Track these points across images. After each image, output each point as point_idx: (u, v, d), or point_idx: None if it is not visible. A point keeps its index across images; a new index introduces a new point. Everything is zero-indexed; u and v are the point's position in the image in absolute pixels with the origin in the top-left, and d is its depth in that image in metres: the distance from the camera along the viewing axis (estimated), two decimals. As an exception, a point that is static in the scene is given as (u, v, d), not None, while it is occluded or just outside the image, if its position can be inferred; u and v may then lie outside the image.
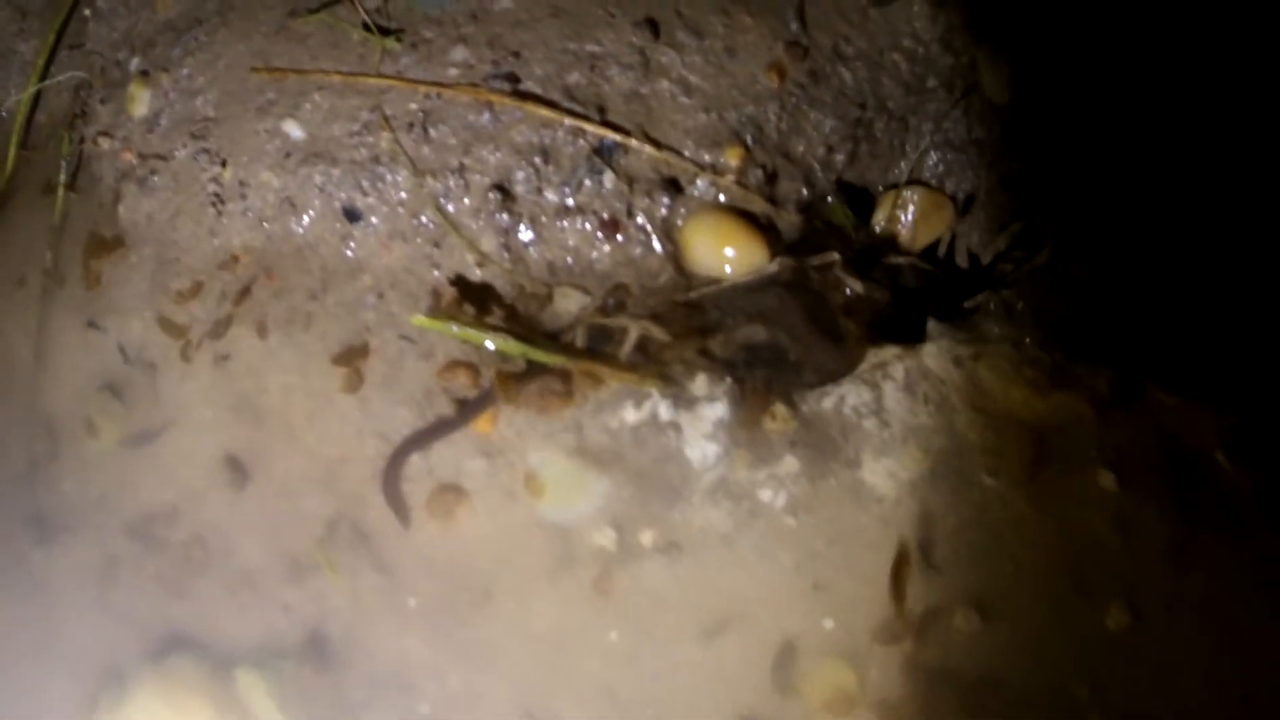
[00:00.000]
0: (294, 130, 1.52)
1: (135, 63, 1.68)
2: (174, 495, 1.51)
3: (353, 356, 1.46)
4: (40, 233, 1.74)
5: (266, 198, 1.53)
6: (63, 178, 1.72)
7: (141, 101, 1.64)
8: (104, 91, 1.70)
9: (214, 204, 1.56)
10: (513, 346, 1.37)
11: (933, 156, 1.49)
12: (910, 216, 1.47)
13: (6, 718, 1.48)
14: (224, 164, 1.56)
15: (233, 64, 1.59)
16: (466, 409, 1.37)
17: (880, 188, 1.50)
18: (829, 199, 1.47)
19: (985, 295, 1.39)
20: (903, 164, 1.49)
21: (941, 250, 1.49)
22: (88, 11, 1.78)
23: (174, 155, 1.59)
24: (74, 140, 1.73)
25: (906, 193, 1.48)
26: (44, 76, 1.80)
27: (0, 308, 1.71)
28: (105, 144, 1.66)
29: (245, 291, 1.54)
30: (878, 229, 1.48)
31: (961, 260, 1.49)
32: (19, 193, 1.80)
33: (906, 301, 1.44)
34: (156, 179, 1.60)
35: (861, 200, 1.50)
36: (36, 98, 1.82)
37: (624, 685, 1.35)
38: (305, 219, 1.51)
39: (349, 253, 1.50)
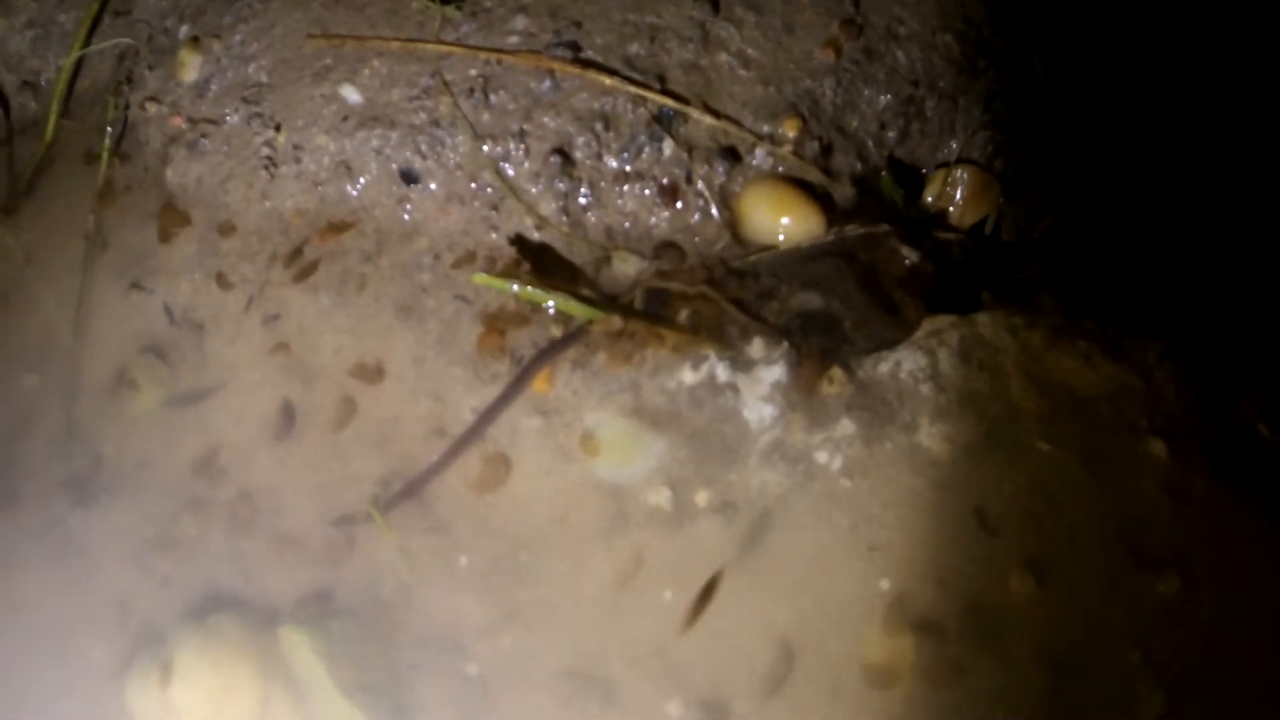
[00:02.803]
0: (351, 94, 1.53)
1: (185, 29, 1.69)
2: (220, 455, 1.50)
3: (407, 317, 1.46)
4: (80, 199, 1.74)
5: (321, 161, 1.54)
6: (107, 143, 1.72)
7: (192, 67, 1.65)
8: (151, 58, 1.71)
9: (266, 167, 1.56)
10: (574, 306, 1.38)
11: (982, 136, 1.52)
12: (960, 194, 1.50)
13: (44, 681, 1.46)
14: (278, 128, 1.56)
15: (288, 31, 1.60)
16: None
17: (931, 165, 1.53)
18: (882, 174, 1.49)
19: (1037, 268, 1.41)
20: (953, 143, 1.52)
21: (989, 228, 1.52)
22: (135, -21, 1.79)
23: (225, 120, 1.60)
24: (119, 106, 1.73)
25: (957, 171, 1.50)
26: (87, 43, 1.81)
27: (40, 273, 1.71)
28: (153, 109, 1.66)
29: (297, 253, 1.54)
30: (928, 205, 1.50)
31: (1009, 238, 1.51)
32: (59, 160, 1.80)
33: (957, 275, 1.46)
34: (207, 143, 1.60)
35: (911, 177, 1.53)
36: (78, 65, 1.82)
37: (676, 645, 1.34)
38: (361, 182, 1.52)
39: (405, 215, 1.51)
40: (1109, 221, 1.46)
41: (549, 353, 1.37)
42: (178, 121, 1.63)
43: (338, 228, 1.53)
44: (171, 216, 1.62)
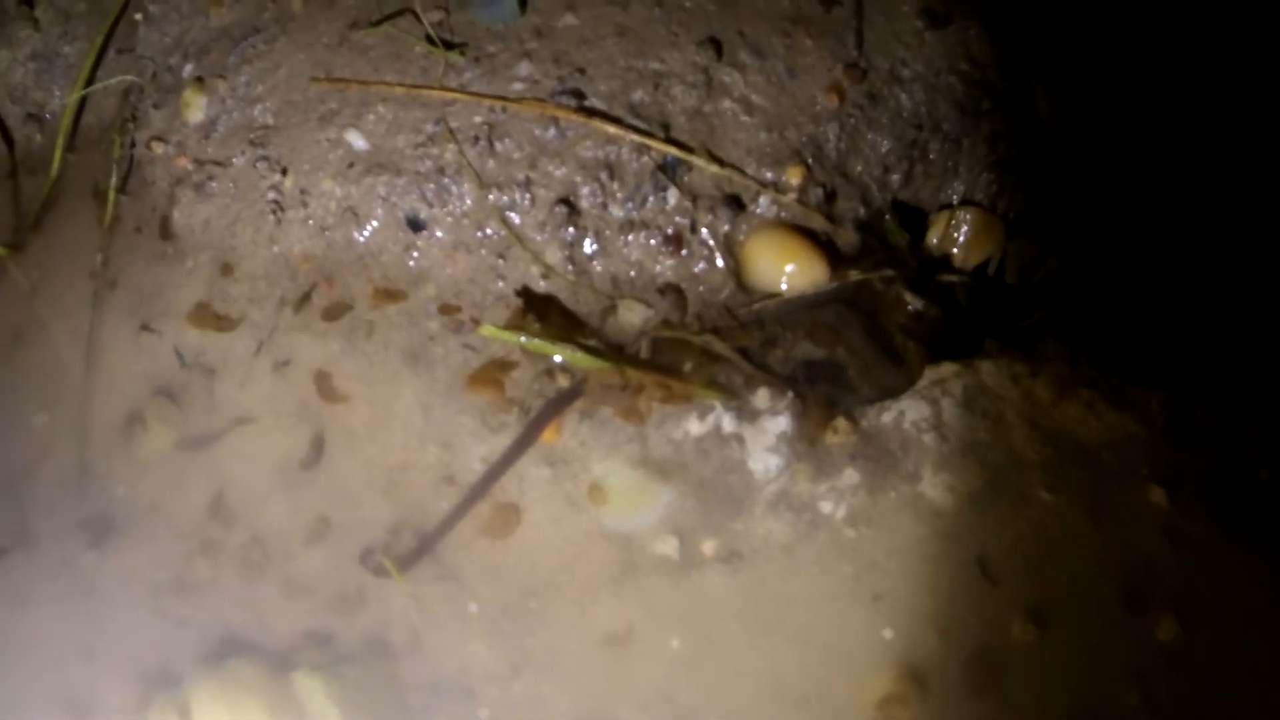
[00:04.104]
0: (357, 140, 1.54)
1: (189, 69, 1.69)
2: (232, 499, 1.52)
3: (415, 364, 1.48)
4: (88, 236, 1.74)
5: (328, 206, 1.55)
6: (114, 181, 1.73)
7: (197, 107, 1.65)
8: (156, 96, 1.71)
9: (274, 211, 1.57)
10: (580, 358, 1.40)
11: (986, 177, 1.53)
12: (963, 236, 1.51)
13: (64, 721, 1.49)
14: (284, 172, 1.57)
15: (293, 73, 1.60)
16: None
17: (934, 207, 1.53)
18: (885, 217, 1.50)
19: (1040, 315, 1.43)
20: (956, 184, 1.53)
21: (992, 269, 1.53)
22: (138, 16, 1.79)
23: (232, 162, 1.61)
24: (125, 144, 1.74)
25: (960, 213, 1.51)
26: (91, 80, 1.81)
27: (48, 311, 1.72)
28: (159, 149, 1.67)
29: (305, 299, 1.55)
30: (932, 248, 1.51)
31: (1013, 280, 1.52)
32: (65, 196, 1.81)
33: (960, 320, 1.48)
34: (214, 185, 1.61)
35: (915, 219, 1.53)
36: (84, 101, 1.83)
37: (684, 692, 1.37)
38: (368, 228, 1.53)
39: (411, 263, 1.52)
40: (1112, 265, 1.47)
41: (555, 406, 1.38)
42: (184, 162, 1.64)
43: (345, 273, 1.54)
44: (179, 257, 1.63)
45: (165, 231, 1.66)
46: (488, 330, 1.40)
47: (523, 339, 1.40)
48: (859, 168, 1.50)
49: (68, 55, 1.88)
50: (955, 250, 1.51)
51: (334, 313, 1.53)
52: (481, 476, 1.43)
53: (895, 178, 1.51)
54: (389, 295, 1.52)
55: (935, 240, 1.52)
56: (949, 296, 1.49)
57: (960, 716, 1.32)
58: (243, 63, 1.64)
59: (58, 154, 1.81)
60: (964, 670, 1.33)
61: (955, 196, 1.53)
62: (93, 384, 1.64)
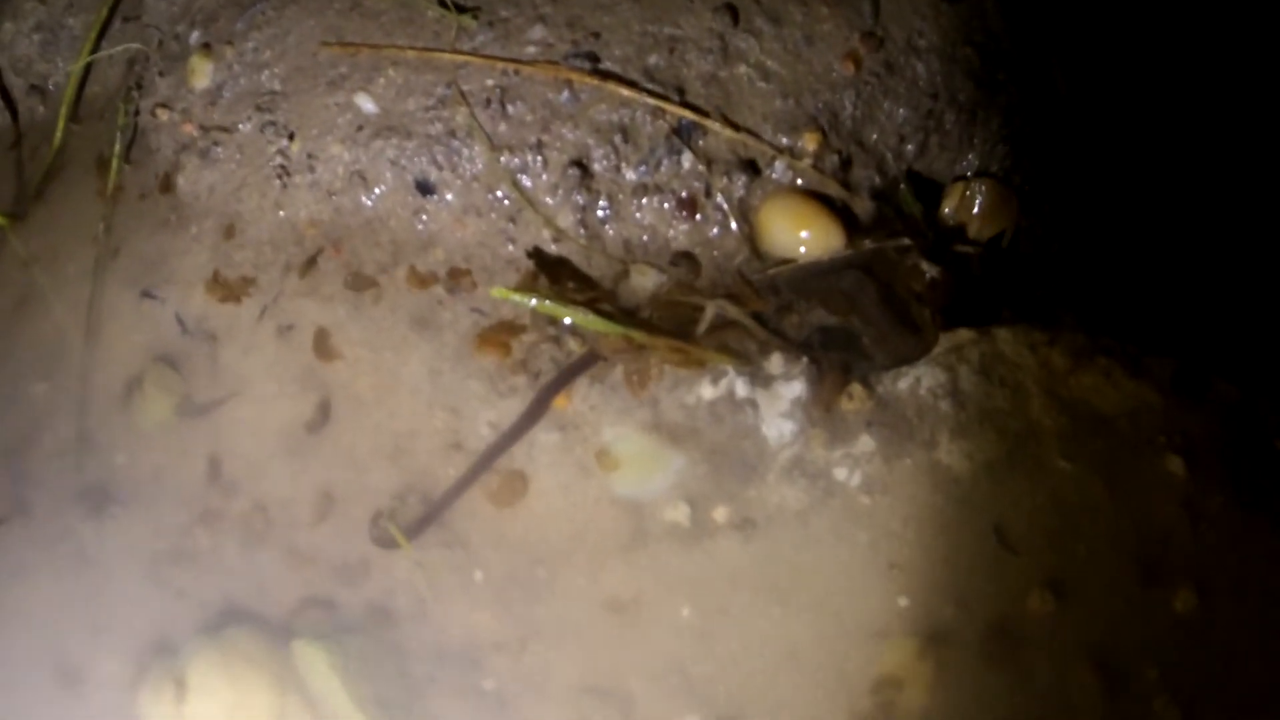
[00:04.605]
0: (366, 104, 1.52)
1: (195, 36, 1.67)
2: (234, 466, 1.50)
3: (423, 329, 1.46)
4: (91, 205, 1.72)
5: (336, 170, 1.53)
6: (118, 149, 1.71)
7: (203, 74, 1.64)
8: (162, 64, 1.69)
9: (280, 176, 1.55)
10: (592, 321, 1.38)
11: (1000, 149, 1.51)
12: (978, 208, 1.50)
13: (57, 694, 1.45)
14: (291, 137, 1.55)
15: (302, 39, 1.59)
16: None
17: (949, 178, 1.52)
18: (900, 187, 1.48)
19: (1056, 284, 1.41)
20: (971, 156, 1.52)
21: (1006, 241, 1.52)
22: (145, -15, 1.78)
23: (238, 128, 1.59)
24: (129, 112, 1.72)
25: (975, 184, 1.50)
26: (96, 48, 1.79)
27: (50, 280, 1.69)
28: (164, 116, 1.65)
29: (311, 263, 1.53)
30: (946, 219, 1.50)
31: (1028, 251, 1.51)
32: (68, 167, 1.79)
33: (975, 289, 1.46)
34: (219, 151, 1.59)
35: (930, 190, 1.52)
36: (87, 70, 1.81)
37: (696, 662, 1.34)
38: (376, 192, 1.51)
39: (420, 226, 1.50)
40: (1128, 237, 1.46)
41: (569, 375, 1.36)
42: (189, 129, 1.62)
43: (352, 238, 1.51)
44: (183, 224, 1.61)
45: (169, 199, 1.64)
46: (497, 291, 1.38)
47: (533, 301, 1.39)
48: (874, 136, 1.48)
49: (72, 27, 1.87)
50: (970, 222, 1.50)
51: (340, 278, 1.51)
52: (492, 445, 1.40)
53: (910, 147, 1.50)
54: (397, 260, 1.50)
55: (950, 211, 1.50)
56: (964, 266, 1.47)
57: (977, 687, 1.30)
58: (251, 29, 1.62)
59: (61, 124, 1.79)
60: (981, 641, 1.30)
61: (970, 168, 1.52)
62: (93, 352, 1.61)
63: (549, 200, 1.46)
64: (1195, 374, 1.39)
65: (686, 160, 1.44)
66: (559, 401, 1.40)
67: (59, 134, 1.79)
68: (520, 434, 1.41)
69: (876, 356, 1.40)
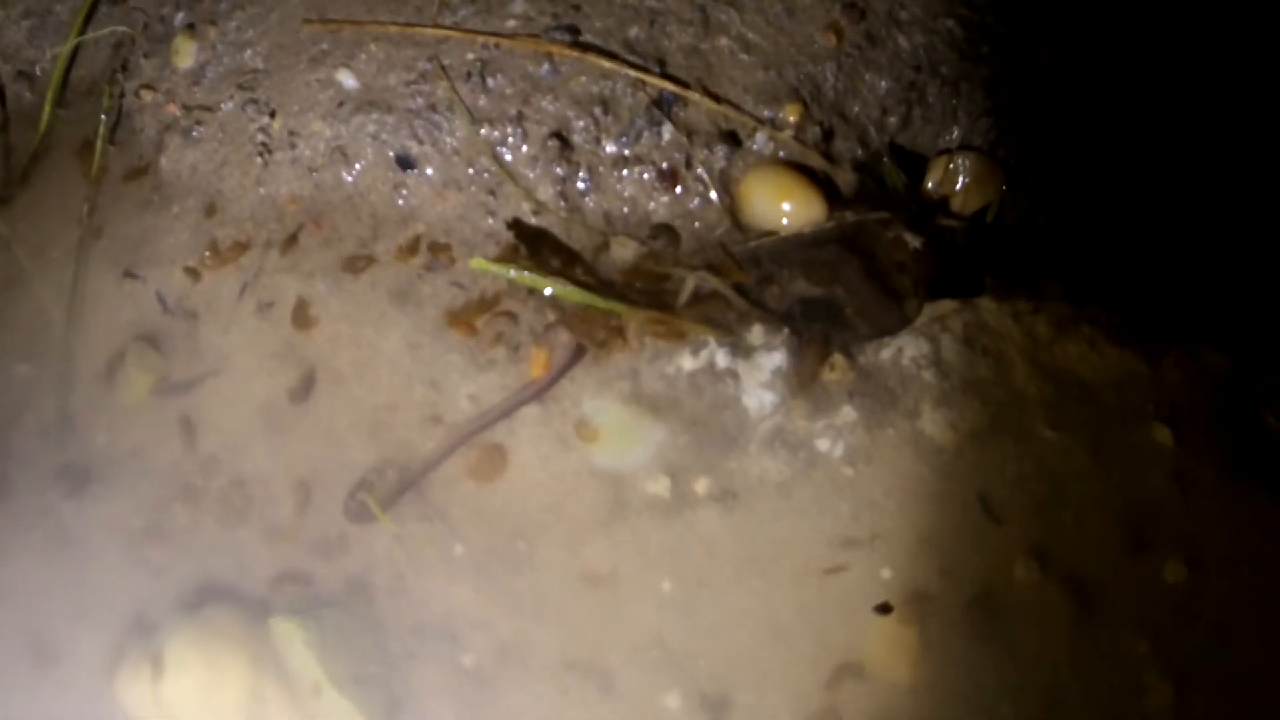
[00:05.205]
0: (347, 80, 1.52)
1: (180, 17, 1.68)
2: (214, 443, 1.49)
3: (403, 303, 1.45)
4: (75, 188, 1.72)
5: (317, 147, 1.52)
6: (102, 130, 1.71)
7: (187, 54, 1.64)
8: (147, 46, 1.69)
9: (261, 154, 1.55)
10: (572, 292, 1.37)
11: (984, 122, 1.50)
12: (962, 181, 1.49)
13: (34, 673, 1.44)
14: (273, 114, 1.55)
15: (285, 17, 1.59)
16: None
17: (933, 151, 1.51)
18: (884, 160, 1.47)
19: (1041, 254, 1.40)
20: (955, 129, 1.51)
21: (991, 215, 1.50)
22: (132, -30, 1.78)
23: (220, 107, 1.59)
24: (114, 94, 1.72)
25: (959, 158, 1.49)
26: (83, 31, 1.79)
27: (34, 262, 1.69)
28: (148, 97, 1.65)
29: (292, 240, 1.52)
30: (930, 192, 1.49)
31: (1013, 224, 1.49)
32: (53, 149, 1.79)
33: (959, 262, 1.45)
34: (201, 130, 1.59)
35: (913, 164, 1.51)
36: (74, 54, 1.81)
37: (676, 635, 1.32)
38: (356, 167, 1.50)
39: (401, 201, 1.49)
40: (1115, 209, 1.44)
41: (561, 370, 1.35)
42: (172, 109, 1.62)
43: (333, 214, 1.51)
44: (165, 203, 1.60)
45: (152, 179, 1.64)
46: (477, 263, 1.37)
47: (512, 272, 1.37)
48: (857, 108, 1.47)
49: (59, 13, 1.87)
50: (954, 195, 1.49)
51: (321, 254, 1.50)
52: (473, 422, 1.39)
53: (893, 120, 1.49)
54: (377, 234, 1.49)
55: (933, 185, 1.49)
56: (947, 240, 1.46)
57: (962, 658, 1.28)
58: (234, 8, 1.62)
59: (47, 108, 1.79)
60: (965, 612, 1.29)
61: (954, 141, 1.51)
62: (75, 332, 1.61)
63: (529, 173, 1.45)
64: (1184, 343, 1.38)
65: (667, 132, 1.43)
66: (537, 372, 1.38)
67: (45, 118, 1.79)
68: (505, 414, 1.39)
69: (859, 327, 1.39)
